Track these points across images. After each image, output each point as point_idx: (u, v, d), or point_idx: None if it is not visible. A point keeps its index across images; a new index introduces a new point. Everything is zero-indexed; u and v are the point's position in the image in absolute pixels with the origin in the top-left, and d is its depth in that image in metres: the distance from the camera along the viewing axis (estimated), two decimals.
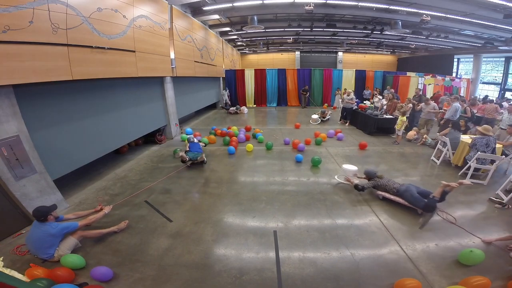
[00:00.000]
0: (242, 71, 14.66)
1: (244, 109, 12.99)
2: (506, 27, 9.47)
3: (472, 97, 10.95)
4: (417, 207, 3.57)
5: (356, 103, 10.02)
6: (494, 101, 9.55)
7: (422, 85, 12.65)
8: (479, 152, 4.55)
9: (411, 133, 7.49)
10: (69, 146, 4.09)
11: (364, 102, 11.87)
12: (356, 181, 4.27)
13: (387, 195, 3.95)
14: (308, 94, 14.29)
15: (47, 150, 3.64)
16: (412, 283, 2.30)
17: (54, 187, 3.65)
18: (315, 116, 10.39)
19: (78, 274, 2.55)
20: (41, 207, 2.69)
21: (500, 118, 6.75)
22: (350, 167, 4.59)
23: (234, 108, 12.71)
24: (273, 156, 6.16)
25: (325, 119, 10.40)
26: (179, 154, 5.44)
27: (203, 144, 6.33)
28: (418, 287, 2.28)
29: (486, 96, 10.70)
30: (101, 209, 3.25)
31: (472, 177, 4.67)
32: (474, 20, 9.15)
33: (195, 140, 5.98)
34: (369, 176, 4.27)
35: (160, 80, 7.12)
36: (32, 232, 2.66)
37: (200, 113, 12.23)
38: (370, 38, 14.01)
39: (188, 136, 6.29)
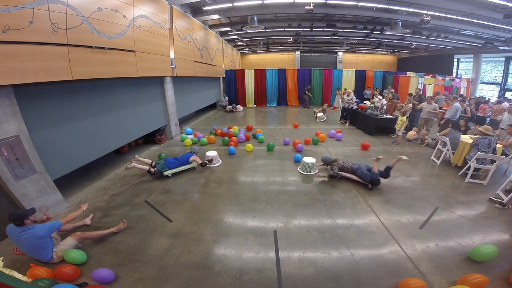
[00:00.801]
0: (242, 71, 14.66)
1: (240, 107, 13.66)
2: (506, 27, 9.46)
3: (473, 97, 10.94)
4: (366, 181, 4.40)
5: (356, 103, 10.04)
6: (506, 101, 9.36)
7: (422, 85, 12.65)
8: (479, 152, 4.55)
9: (411, 133, 7.49)
10: (69, 146, 4.09)
11: (364, 102, 11.89)
12: (322, 174, 4.88)
13: (344, 174, 4.68)
14: (310, 94, 14.36)
15: (47, 150, 3.64)
16: (417, 283, 2.30)
17: (54, 187, 3.65)
18: (320, 114, 10.66)
19: (81, 273, 2.55)
20: (18, 211, 2.63)
21: (500, 118, 6.75)
22: (310, 160, 5.11)
23: (230, 106, 13.34)
24: (273, 156, 6.16)
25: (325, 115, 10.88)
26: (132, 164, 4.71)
27: (197, 163, 5.12)
28: (423, 287, 2.27)
29: (501, 97, 10.62)
30: (47, 219, 2.98)
31: (472, 177, 4.68)
32: (474, 20, 9.14)
33: (195, 153, 5.22)
34: (327, 162, 4.88)
35: (160, 80, 7.12)
36: (16, 238, 2.50)
37: (200, 113, 12.24)
38: (370, 38, 14.00)
39: (195, 148, 5.49)
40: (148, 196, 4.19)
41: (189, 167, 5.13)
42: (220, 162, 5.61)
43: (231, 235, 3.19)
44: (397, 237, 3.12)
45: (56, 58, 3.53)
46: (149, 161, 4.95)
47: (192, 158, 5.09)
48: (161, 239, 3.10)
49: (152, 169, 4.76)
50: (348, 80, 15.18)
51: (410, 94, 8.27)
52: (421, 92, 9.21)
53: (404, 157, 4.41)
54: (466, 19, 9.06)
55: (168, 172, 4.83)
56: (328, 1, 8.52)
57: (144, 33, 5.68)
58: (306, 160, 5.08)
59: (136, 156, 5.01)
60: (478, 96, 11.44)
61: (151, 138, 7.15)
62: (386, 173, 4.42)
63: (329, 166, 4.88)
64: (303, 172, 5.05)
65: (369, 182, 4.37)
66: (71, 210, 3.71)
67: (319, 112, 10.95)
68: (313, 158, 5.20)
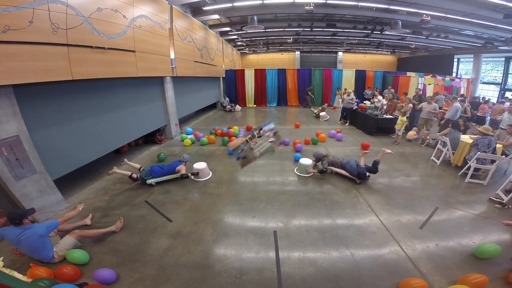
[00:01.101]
0: (242, 71, 14.66)
1: (238, 107, 13.92)
2: (506, 27, 9.45)
3: (475, 96, 10.95)
4: (354, 176, 4.54)
5: (356, 103, 10.06)
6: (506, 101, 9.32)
7: (422, 85, 12.65)
8: (479, 152, 4.55)
9: (411, 133, 7.49)
10: (69, 146, 4.09)
11: (364, 102, 11.91)
12: (312, 170, 4.93)
13: (334, 169, 4.86)
14: (312, 95, 14.42)
15: (47, 150, 3.64)
16: (418, 283, 2.30)
17: (54, 187, 3.65)
18: (323, 114, 10.82)
19: (81, 273, 2.55)
20: (17, 210, 2.63)
21: (500, 118, 6.75)
22: (307, 161, 5.07)
23: (229, 106, 13.58)
24: (273, 156, 6.14)
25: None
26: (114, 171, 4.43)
27: (182, 174, 4.58)
28: (424, 287, 2.27)
29: (502, 97, 10.65)
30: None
31: (472, 177, 4.67)
32: (474, 20, 9.14)
33: (184, 162, 4.81)
34: (318, 158, 5.01)
35: (160, 80, 7.12)
36: (17, 239, 2.47)
37: (200, 113, 12.24)
38: (370, 38, 13.99)
39: (184, 156, 4.97)
40: (148, 196, 4.18)
41: (175, 176, 4.62)
42: (210, 175, 4.97)
43: (231, 235, 3.19)
44: (397, 237, 3.12)
45: (56, 58, 3.53)
46: (138, 165, 4.76)
47: (178, 167, 4.61)
48: (161, 239, 3.10)
49: (134, 175, 4.47)
50: (348, 80, 15.18)
51: (405, 93, 8.26)
52: (421, 92, 9.21)
53: (388, 150, 4.59)
54: (466, 19, 9.06)
55: (151, 181, 4.43)
56: (328, 1, 8.52)
57: (144, 33, 5.68)
58: (302, 161, 5.05)
59: (125, 160, 4.92)
60: (477, 96, 11.46)
61: (151, 138, 7.15)
62: (374, 168, 4.52)
63: (320, 162, 5.00)
64: (300, 174, 5.02)
65: (356, 176, 4.52)
66: (71, 210, 3.70)
67: (321, 111, 11.05)
68: (309, 160, 5.15)
